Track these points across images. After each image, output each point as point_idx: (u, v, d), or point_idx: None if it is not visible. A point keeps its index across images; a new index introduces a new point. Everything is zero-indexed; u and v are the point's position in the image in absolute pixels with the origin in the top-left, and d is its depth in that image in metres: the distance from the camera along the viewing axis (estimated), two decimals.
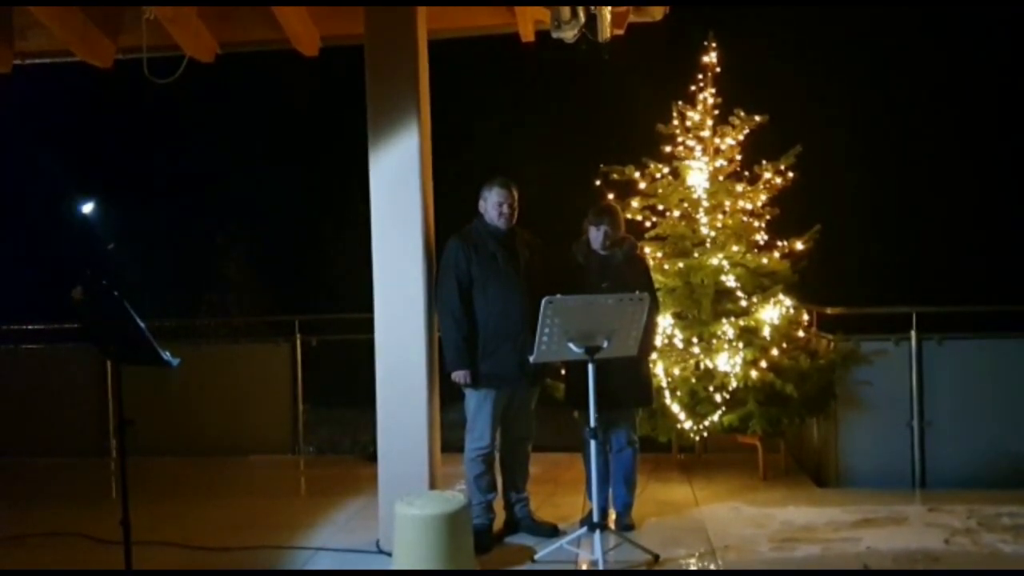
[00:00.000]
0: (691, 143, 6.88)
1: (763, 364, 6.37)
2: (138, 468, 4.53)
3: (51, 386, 8.07)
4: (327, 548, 5.21)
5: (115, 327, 3.99)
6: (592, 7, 4.83)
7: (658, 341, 6.27)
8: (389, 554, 4.77)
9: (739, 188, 6.81)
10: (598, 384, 4.74)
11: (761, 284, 6.64)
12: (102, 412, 7.89)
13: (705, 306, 6.59)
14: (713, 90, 6.90)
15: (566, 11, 4.77)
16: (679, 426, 6.54)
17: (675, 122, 6.92)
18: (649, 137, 7.00)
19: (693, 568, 4.86)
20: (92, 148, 17.07)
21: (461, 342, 5.03)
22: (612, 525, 5.31)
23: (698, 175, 6.77)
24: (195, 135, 16.84)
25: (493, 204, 5.15)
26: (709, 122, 6.88)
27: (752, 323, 6.49)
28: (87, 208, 17.34)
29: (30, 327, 8.66)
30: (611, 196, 6.51)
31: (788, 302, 6.66)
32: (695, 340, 6.54)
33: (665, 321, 6.56)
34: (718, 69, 6.91)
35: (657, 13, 5.70)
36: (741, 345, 6.42)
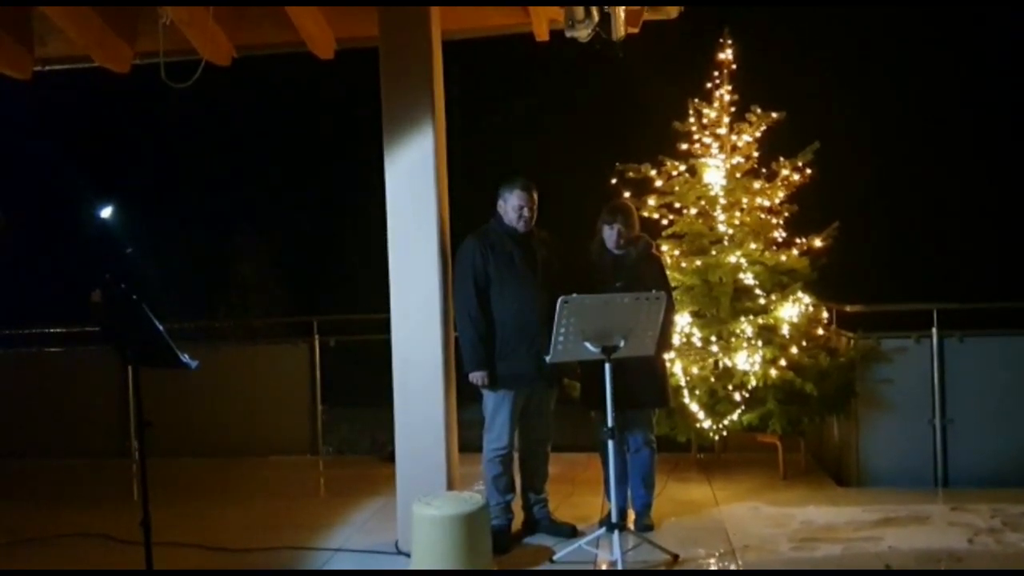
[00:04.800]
0: (708, 140, 6.85)
1: (782, 362, 6.34)
2: (158, 469, 4.56)
3: (72, 388, 8.14)
4: (346, 549, 5.23)
5: (134, 330, 4.01)
6: (606, 6, 4.81)
7: (676, 340, 6.25)
8: (408, 555, 4.77)
9: (757, 185, 6.76)
10: (615, 384, 4.73)
11: (780, 282, 6.60)
12: (123, 414, 7.93)
13: (723, 304, 6.56)
14: (729, 87, 6.87)
15: (580, 10, 4.75)
16: (698, 425, 6.51)
17: (691, 119, 6.89)
18: (665, 135, 6.97)
19: (713, 568, 4.83)
20: (110, 152, 17.20)
21: (478, 342, 5.03)
22: (631, 525, 5.29)
23: (715, 172, 6.73)
24: (212, 137, 16.94)
25: (513, 206, 5.13)
26: (726, 119, 6.84)
27: (771, 321, 6.45)
28: (105, 212, 17.49)
29: (51, 330, 8.74)
30: (627, 194, 6.49)
31: (807, 300, 6.61)
32: (713, 339, 6.51)
33: (683, 320, 6.53)
34: (734, 66, 6.87)
35: (672, 11, 5.68)
36: (760, 343, 6.38)
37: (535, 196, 5.16)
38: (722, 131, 6.84)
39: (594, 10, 4.80)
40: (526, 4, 5.57)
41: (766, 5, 13.21)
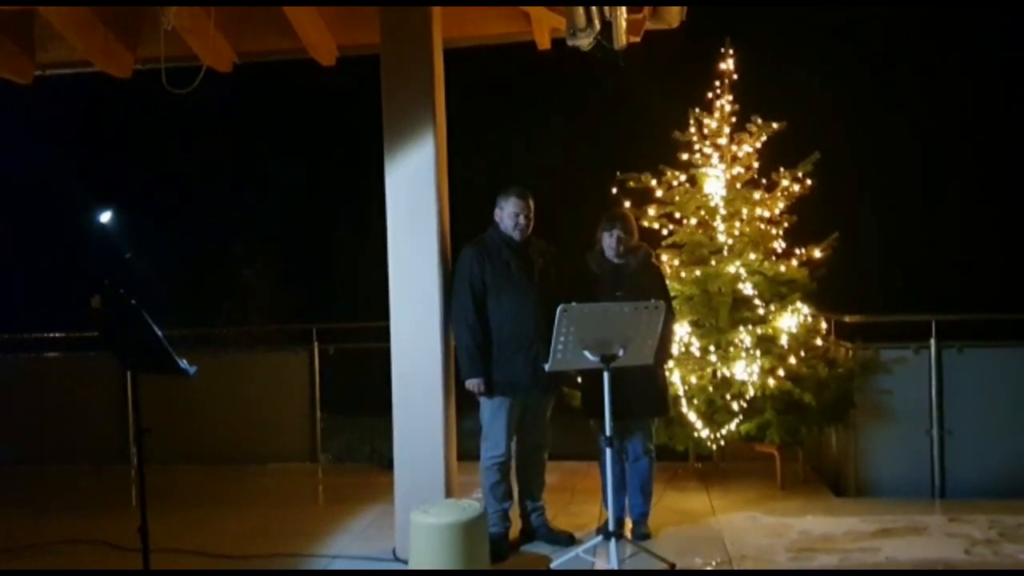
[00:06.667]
0: (708, 150, 6.85)
1: (781, 372, 6.34)
2: (157, 476, 4.56)
3: (72, 394, 8.14)
4: (343, 556, 5.22)
5: (133, 336, 4.01)
6: (607, 14, 4.82)
7: (675, 349, 6.25)
8: (405, 562, 4.77)
9: (757, 195, 6.77)
10: (614, 393, 4.73)
11: (779, 292, 6.60)
12: (122, 420, 7.91)
13: (722, 314, 6.56)
14: (730, 97, 6.87)
15: (581, 19, 4.76)
16: (696, 435, 6.50)
17: (692, 129, 6.89)
18: (666, 144, 6.97)
19: None
20: (109, 158, 17.21)
21: (475, 350, 5.03)
22: (628, 534, 5.28)
23: (715, 182, 6.74)
24: (213, 144, 16.95)
25: (509, 214, 5.15)
26: (726, 129, 6.85)
27: (770, 331, 6.45)
28: (105, 218, 17.49)
29: (51, 335, 8.74)
30: (628, 204, 6.50)
31: (806, 310, 6.61)
32: (712, 348, 6.51)
33: (682, 329, 6.53)
34: (735, 76, 6.88)
35: (674, 20, 5.69)
36: (759, 353, 6.38)
37: (531, 204, 5.17)
38: (722, 141, 6.84)
39: (596, 19, 4.81)
40: (525, 4, 5.57)
41: (765, 5, 13.25)
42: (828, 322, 6.86)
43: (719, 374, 6.50)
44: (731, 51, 6.91)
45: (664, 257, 6.74)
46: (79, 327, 7.56)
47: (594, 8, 4.75)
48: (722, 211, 6.74)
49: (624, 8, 5.00)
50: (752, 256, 6.61)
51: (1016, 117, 15.64)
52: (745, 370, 6.37)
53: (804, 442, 6.64)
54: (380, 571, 4.97)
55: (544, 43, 5.98)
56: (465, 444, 5.59)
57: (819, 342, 6.75)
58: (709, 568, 4.90)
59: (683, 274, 6.69)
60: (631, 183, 6.76)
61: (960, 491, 6.29)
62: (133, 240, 17.31)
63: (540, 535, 5.33)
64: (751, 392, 6.36)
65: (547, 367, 4.70)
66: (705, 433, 6.47)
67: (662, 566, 4.81)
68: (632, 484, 5.40)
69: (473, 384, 5.07)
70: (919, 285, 13.77)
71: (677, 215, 6.88)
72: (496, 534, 5.06)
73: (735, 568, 4.86)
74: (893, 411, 6.43)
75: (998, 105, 16.06)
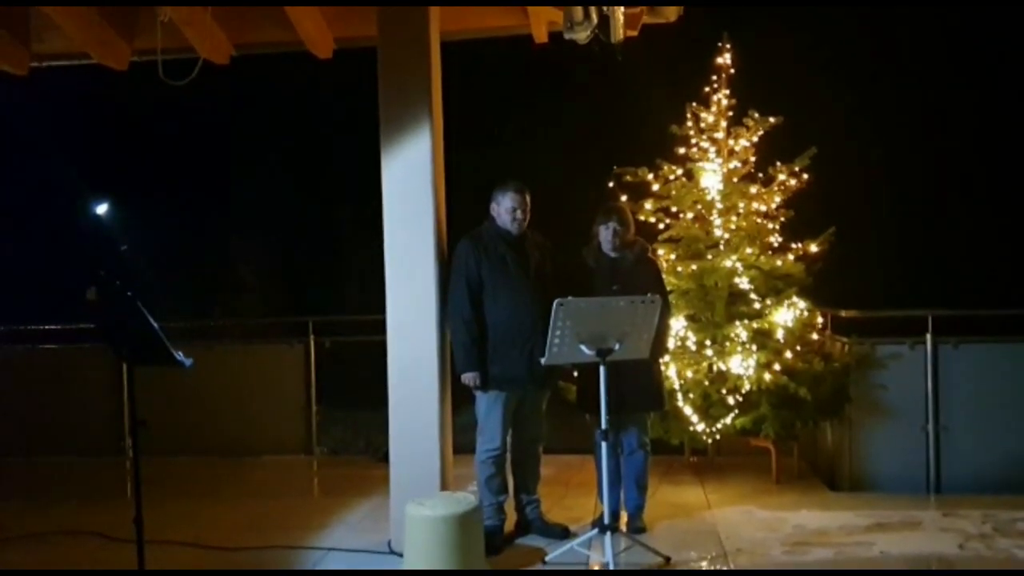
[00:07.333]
0: (705, 145, 6.85)
1: (776, 367, 6.35)
2: (152, 468, 4.55)
3: (68, 386, 8.13)
4: (339, 548, 5.23)
5: (129, 328, 4.01)
6: (604, 8, 4.81)
7: (671, 343, 6.26)
8: (400, 555, 4.77)
9: (753, 190, 6.77)
10: (610, 387, 4.73)
11: (775, 286, 6.61)
12: (118, 412, 7.92)
13: (718, 308, 6.57)
14: (727, 91, 6.87)
15: (579, 12, 4.76)
16: (692, 428, 6.51)
17: (689, 124, 6.89)
18: (663, 139, 6.97)
19: (704, 571, 4.84)
20: (106, 149, 17.15)
21: (471, 344, 5.04)
22: (623, 527, 5.29)
23: (712, 177, 6.74)
24: (209, 137, 16.91)
25: (506, 209, 5.14)
26: (723, 124, 6.84)
27: (766, 326, 6.46)
28: (101, 209, 17.44)
29: (47, 327, 8.72)
30: (624, 198, 6.51)
31: (802, 305, 6.62)
32: (708, 342, 6.52)
33: (678, 323, 6.54)
34: (732, 70, 6.88)
35: (671, 14, 5.69)
36: (754, 348, 6.39)
37: (528, 198, 5.17)
38: (719, 135, 6.84)
39: (593, 12, 4.80)
40: (525, 4, 5.57)
41: (765, 5, 13.23)
42: (824, 317, 6.87)
43: (715, 368, 6.51)
44: (728, 45, 6.90)
45: (660, 251, 6.74)
46: (75, 319, 7.53)
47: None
48: (719, 205, 6.74)
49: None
50: (748, 250, 6.61)
51: (1013, 113, 15.64)
52: (741, 364, 6.38)
53: (799, 437, 6.65)
54: (375, 566, 4.97)
55: (541, 37, 5.96)
56: (461, 438, 5.59)
57: (815, 337, 6.76)
58: (704, 562, 4.91)
59: (679, 268, 6.70)
60: (628, 177, 6.77)
61: (954, 486, 6.30)
62: (129, 232, 17.25)
63: (535, 528, 5.34)
64: (747, 386, 6.36)
65: (543, 361, 4.70)
66: (701, 427, 6.48)
67: (657, 560, 4.83)
68: (627, 478, 5.41)
69: (469, 378, 5.07)
70: (915, 280, 13.78)
71: (673, 209, 6.88)
72: (491, 527, 5.07)
73: (730, 562, 4.88)
74: (888, 406, 6.44)
75: (996, 100, 16.06)
